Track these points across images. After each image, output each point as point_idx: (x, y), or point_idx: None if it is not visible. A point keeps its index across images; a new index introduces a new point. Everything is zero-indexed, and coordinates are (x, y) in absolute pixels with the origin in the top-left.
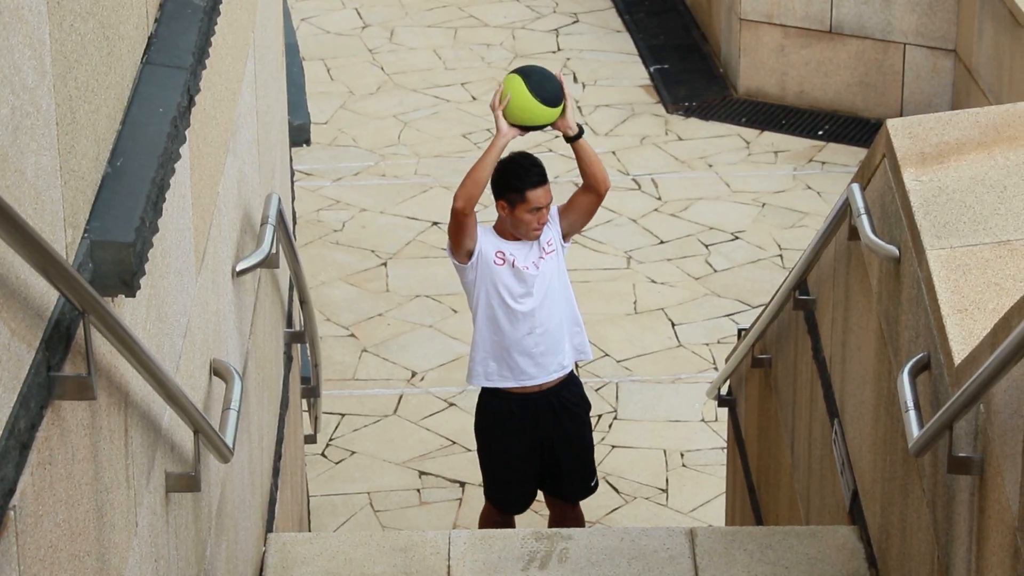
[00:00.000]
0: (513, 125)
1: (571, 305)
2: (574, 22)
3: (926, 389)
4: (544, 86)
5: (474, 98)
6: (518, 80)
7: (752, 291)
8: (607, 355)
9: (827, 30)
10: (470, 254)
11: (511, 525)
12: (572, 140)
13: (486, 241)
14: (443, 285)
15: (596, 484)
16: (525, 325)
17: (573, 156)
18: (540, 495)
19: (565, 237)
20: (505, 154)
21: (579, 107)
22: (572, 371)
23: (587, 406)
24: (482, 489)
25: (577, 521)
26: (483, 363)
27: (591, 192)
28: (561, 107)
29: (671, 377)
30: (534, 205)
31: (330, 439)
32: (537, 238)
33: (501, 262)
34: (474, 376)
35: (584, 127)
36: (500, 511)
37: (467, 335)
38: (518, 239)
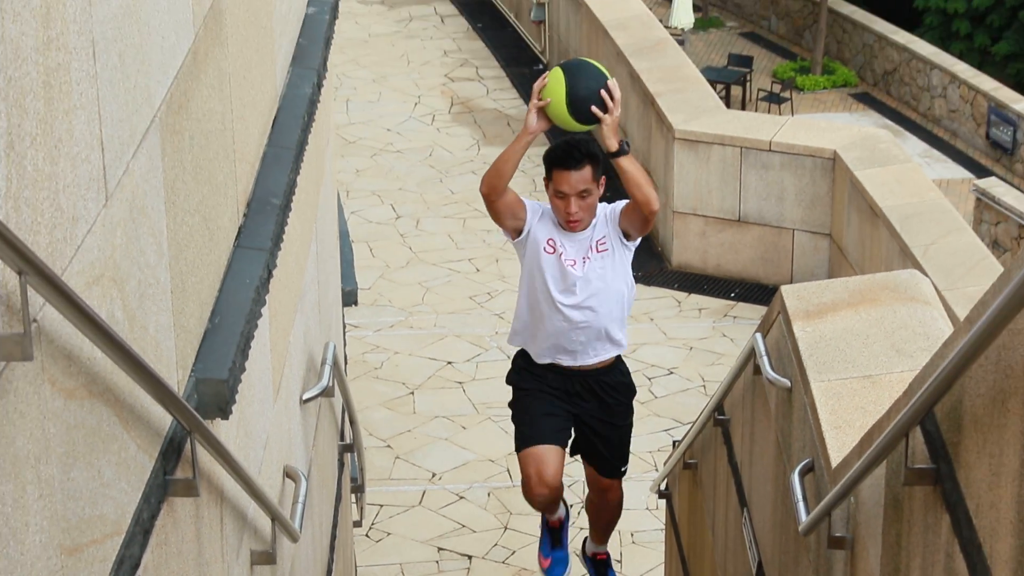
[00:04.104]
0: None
1: (621, 305)
2: None
3: (811, 485)
4: (582, 107)
5: (478, 270)
6: (562, 85)
7: (683, 412)
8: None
9: (737, 219)
10: (518, 231)
11: (552, 508)
12: (613, 156)
13: (541, 226)
14: (456, 409)
15: (626, 471)
16: (564, 319)
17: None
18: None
19: (628, 237)
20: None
21: None
22: (618, 356)
23: (631, 392)
24: (491, 549)
25: (614, 492)
26: (521, 334)
27: (637, 211)
28: (597, 124)
29: (624, 477)
30: (556, 187)
31: (372, 524)
32: (573, 230)
33: (551, 251)
34: (513, 338)
35: (628, 145)
36: (533, 445)
37: (474, 446)
38: None
